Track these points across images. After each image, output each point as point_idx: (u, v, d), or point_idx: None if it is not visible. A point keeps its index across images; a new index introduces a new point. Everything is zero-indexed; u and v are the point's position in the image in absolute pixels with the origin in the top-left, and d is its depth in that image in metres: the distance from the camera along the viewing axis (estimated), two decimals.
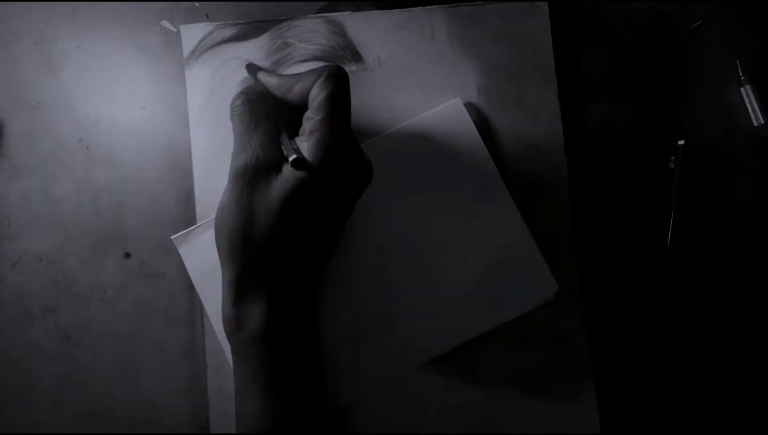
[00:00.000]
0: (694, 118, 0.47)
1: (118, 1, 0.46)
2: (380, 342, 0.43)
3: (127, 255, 0.45)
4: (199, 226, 0.44)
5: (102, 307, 0.45)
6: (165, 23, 0.47)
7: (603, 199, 0.46)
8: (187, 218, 0.45)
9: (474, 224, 0.44)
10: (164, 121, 0.46)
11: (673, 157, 0.46)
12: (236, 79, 0.45)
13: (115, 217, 0.45)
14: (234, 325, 0.37)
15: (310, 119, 0.37)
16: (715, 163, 0.47)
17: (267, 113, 0.39)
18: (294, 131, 0.39)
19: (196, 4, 0.47)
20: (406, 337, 0.44)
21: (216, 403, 0.43)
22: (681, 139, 0.46)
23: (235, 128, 0.38)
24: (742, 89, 0.47)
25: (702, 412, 0.45)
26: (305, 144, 0.37)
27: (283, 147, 0.37)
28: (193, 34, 0.46)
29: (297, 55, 0.46)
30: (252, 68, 0.43)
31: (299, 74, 0.39)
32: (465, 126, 0.45)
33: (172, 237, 0.44)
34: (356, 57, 0.46)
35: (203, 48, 0.46)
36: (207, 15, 0.47)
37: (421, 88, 0.46)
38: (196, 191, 0.45)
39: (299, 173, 0.36)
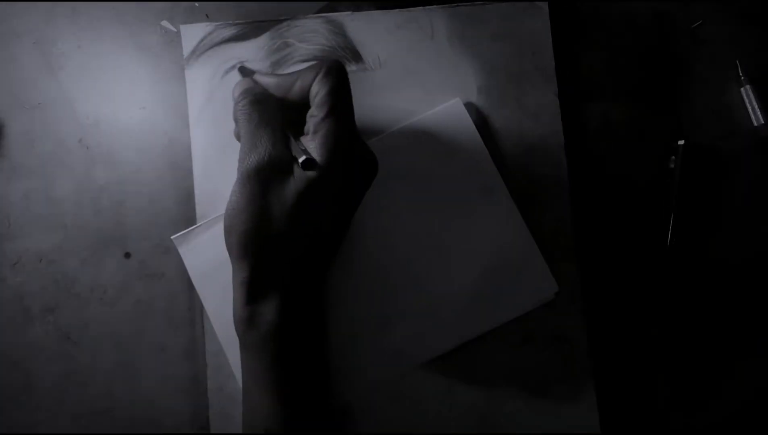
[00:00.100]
0: (694, 118, 0.47)
1: (118, 1, 0.46)
2: (380, 342, 0.43)
3: (127, 255, 0.45)
4: (199, 226, 0.44)
5: (102, 307, 0.45)
6: (165, 23, 0.47)
7: (603, 199, 0.46)
8: (187, 218, 0.45)
9: (474, 224, 0.44)
10: (164, 121, 0.46)
11: (673, 157, 0.46)
12: (237, 79, 0.45)
13: (115, 217, 0.45)
14: (247, 324, 0.37)
15: (314, 117, 0.37)
16: (715, 163, 0.47)
17: (273, 113, 0.38)
18: (298, 130, 0.39)
19: (196, 4, 0.47)
20: (405, 337, 0.44)
21: (216, 403, 0.43)
22: (681, 139, 0.46)
23: (242, 128, 0.38)
24: (742, 89, 0.47)
25: (702, 412, 0.45)
26: (312, 143, 0.37)
27: (292, 149, 0.37)
28: (193, 34, 0.46)
29: (297, 55, 0.46)
30: (245, 71, 0.43)
31: (297, 72, 0.39)
32: (465, 126, 0.45)
33: (172, 237, 0.44)
34: (356, 57, 0.46)
35: (203, 48, 0.46)
36: (207, 15, 0.47)
37: (421, 88, 0.46)
38: (196, 191, 0.45)
39: (308, 175, 0.36)
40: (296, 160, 0.36)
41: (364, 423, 0.43)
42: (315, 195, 0.36)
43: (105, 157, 0.46)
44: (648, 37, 0.48)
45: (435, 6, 0.46)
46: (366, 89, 0.45)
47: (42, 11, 0.46)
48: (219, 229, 0.44)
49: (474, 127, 0.45)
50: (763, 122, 0.46)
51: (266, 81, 0.40)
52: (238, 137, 0.40)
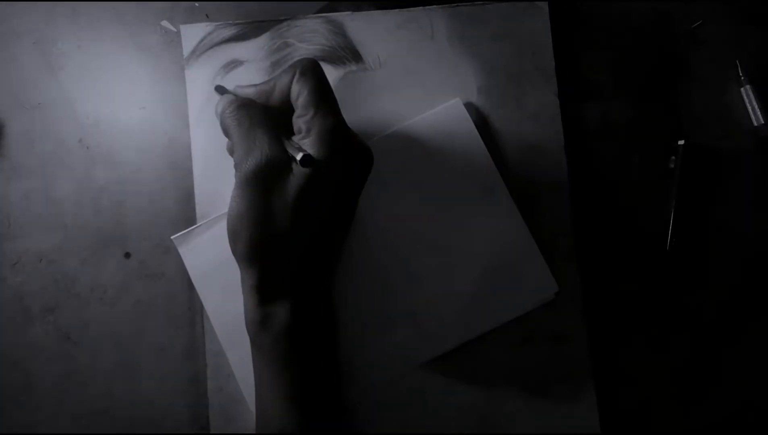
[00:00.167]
0: (694, 118, 0.47)
1: (118, 1, 0.46)
2: (380, 342, 0.43)
3: (127, 255, 0.45)
4: (199, 226, 0.44)
5: (102, 307, 0.45)
6: (165, 23, 0.47)
7: (603, 199, 0.46)
8: (187, 218, 0.45)
9: (474, 224, 0.44)
10: (164, 121, 0.46)
11: (673, 157, 0.46)
12: (236, 79, 0.45)
13: (115, 217, 0.45)
14: (259, 326, 0.37)
15: (302, 116, 0.37)
16: (715, 163, 0.47)
17: (262, 115, 0.38)
18: (287, 132, 0.39)
19: (196, 4, 0.47)
20: (405, 337, 0.44)
21: (216, 403, 0.43)
22: (681, 139, 0.46)
23: (234, 134, 0.38)
24: (742, 89, 0.47)
25: (702, 412, 0.45)
26: (307, 141, 0.37)
27: (288, 148, 0.37)
28: (193, 34, 0.46)
29: (297, 55, 0.46)
30: (221, 89, 0.43)
31: (273, 78, 0.39)
32: (465, 126, 0.45)
33: (172, 237, 0.44)
34: (356, 57, 0.46)
35: (203, 48, 0.46)
36: (207, 15, 0.47)
37: (421, 88, 0.46)
38: (196, 191, 0.45)
39: (306, 173, 0.36)
40: (293, 159, 0.36)
41: (364, 423, 0.43)
42: (316, 190, 0.36)
43: (105, 157, 0.46)
44: (648, 37, 0.48)
45: (435, 6, 0.46)
46: (366, 89, 0.45)
47: (42, 11, 0.46)
48: (219, 229, 0.44)
49: (474, 127, 0.45)
50: (763, 122, 0.46)
51: (246, 92, 0.40)
52: (231, 151, 0.40)
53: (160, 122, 0.46)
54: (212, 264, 0.43)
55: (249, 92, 0.40)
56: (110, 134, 0.46)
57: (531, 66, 0.46)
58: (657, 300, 0.46)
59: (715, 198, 0.46)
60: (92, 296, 0.45)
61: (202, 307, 0.44)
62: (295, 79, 0.37)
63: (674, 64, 0.47)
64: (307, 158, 0.35)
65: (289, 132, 0.39)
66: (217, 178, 0.45)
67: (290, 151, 0.37)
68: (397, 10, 0.46)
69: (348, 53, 0.46)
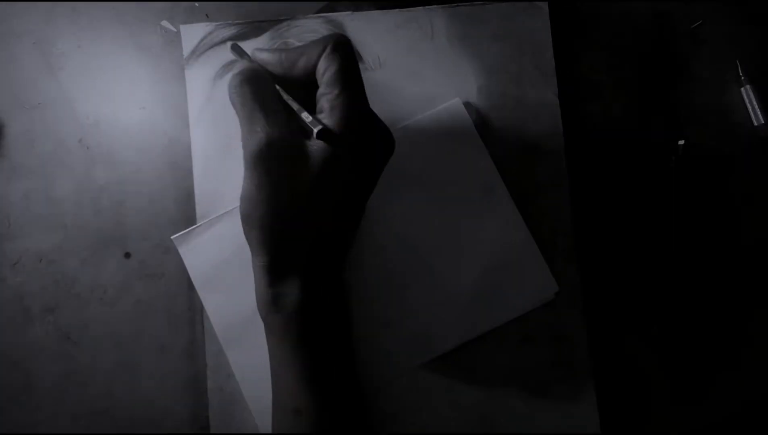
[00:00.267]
0: (694, 118, 0.47)
1: (118, 1, 0.46)
2: (380, 342, 0.43)
3: (127, 255, 0.45)
4: (199, 226, 0.44)
5: (102, 307, 0.45)
6: (165, 23, 0.47)
7: (603, 198, 0.46)
8: (187, 218, 0.45)
9: (474, 224, 0.44)
10: (164, 121, 0.46)
11: (673, 157, 0.46)
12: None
13: (115, 217, 0.45)
14: (270, 307, 0.37)
15: (326, 94, 0.36)
16: (715, 163, 0.47)
17: (268, 91, 0.37)
18: (306, 107, 0.37)
19: (196, 4, 0.47)
20: (405, 338, 0.44)
21: (216, 403, 0.43)
22: (681, 139, 0.46)
23: (239, 112, 0.37)
24: (742, 89, 0.47)
25: (702, 412, 0.45)
26: (329, 120, 0.36)
27: (301, 122, 0.36)
28: (193, 34, 0.46)
29: None
30: (237, 49, 0.41)
31: (301, 47, 0.38)
32: (465, 126, 0.45)
33: (172, 237, 0.44)
34: (356, 57, 0.46)
35: (203, 48, 0.46)
36: (207, 15, 0.47)
37: (421, 88, 0.46)
38: (196, 191, 0.45)
39: (326, 151, 0.35)
40: (309, 134, 0.35)
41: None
42: (334, 172, 0.36)
43: (105, 157, 0.46)
44: (648, 37, 0.48)
45: (435, 6, 0.46)
46: (366, 89, 0.45)
47: (42, 11, 0.46)
48: (219, 229, 0.44)
49: (474, 127, 0.45)
50: (763, 122, 0.46)
51: (265, 58, 0.39)
52: None
53: (160, 122, 0.46)
54: (212, 264, 0.43)
55: (269, 59, 0.38)
56: (110, 134, 0.46)
57: (531, 66, 0.46)
58: (657, 300, 0.46)
59: (715, 198, 0.46)
60: (92, 296, 0.45)
61: (202, 307, 0.44)
62: (325, 54, 0.36)
63: (674, 64, 0.47)
64: (323, 132, 0.35)
65: (307, 106, 0.37)
66: (217, 178, 0.45)
67: (305, 125, 0.36)
68: (397, 10, 0.46)
69: None
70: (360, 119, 0.36)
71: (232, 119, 0.45)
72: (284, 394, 0.38)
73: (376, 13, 0.46)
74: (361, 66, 0.46)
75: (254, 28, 0.46)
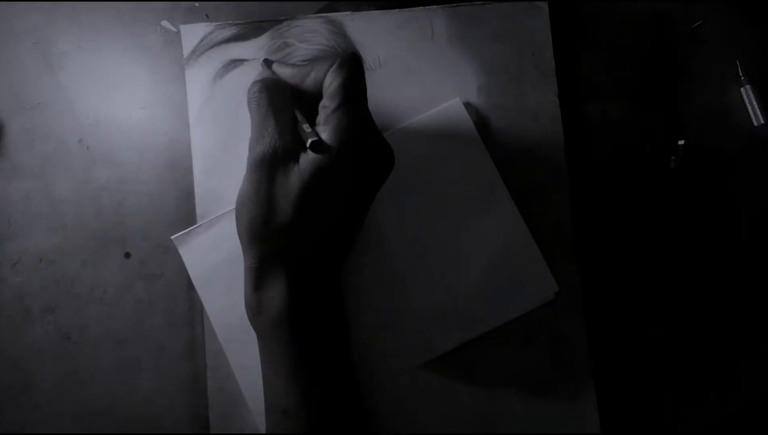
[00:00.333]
0: (694, 118, 0.47)
1: (118, 1, 0.46)
2: (379, 342, 0.43)
3: (127, 255, 0.45)
4: (199, 226, 0.44)
5: (102, 307, 0.45)
6: (165, 23, 0.47)
7: (603, 198, 0.46)
8: (187, 218, 0.45)
9: (474, 224, 0.44)
10: (164, 121, 0.46)
11: (673, 157, 0.46)
12: (236, 79, 0.45)
13: (115, 217, 0.45)
14: (255, 310, 0.38)
15: (326, 107, 0.37)
16: (715, 163, 0.47)
17: (283, 101, 0.39)
18: (310, 120, 0.39)
19: (196, 4, 0.47)
20: (405, 337, 0.44)
21: (216, 403, 0.43)
22: (681, 139, 0.46)
23: (252, 116, 0.39)
24: (742, 89, 0.47)
25: (702, 412, 0.45)
26: (323, 133, 0.37)
27: (301, 133, 0.37)
28: (193, 34, 0.46)
29: (297, 55, 0.46)
30: (268, 62, 0.43)
31: (312, 62, 0.39)
32: (465, 126, 0.45)
33: (172, 237, 0.44)
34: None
35: (203, 48, 0.46)
36: (207, 15, 0.47)
37: (421, 88, 0.46)
38: (196, 191, 0.45)
39: (316, 162, 0.36)
40: (305, 146, 0.36)
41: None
42: (323, 183, 0.36)
43: (105, 157, 0.46)
44: (648, 37, 0.48)
45: (435, 6, 0.46)
46: (366, 89, 0.45)
47: (42, 11, 0.46)
48: (219, 229, 0.44)
49: (474, 127, 0.45)
50: (763, 122, 0.46)
51: (283, 71, 0.41)
52: None
53: (160, 122, 0.46)
54: (212, 264, 0.43)
55: (286, 72, 0.41)
56: (110, 134, 0.46)
57: (531, 66, 0.46)
58: (657, 300, 0.46)
59: (715, 198, 0.46)
60: (92, 296, 0.45)
61: (202, 307, 0.44)
62: (332, 68, 0.37)
63: (674, 64, 0.47)
64: (316, 143, 0.35)
65: (312, 120, 0.38)
66: (217, 178, 0.45)
67: (302, 135, 0.37)
68: (397, 10, 0.46)
69: None
70: (354, 133, 0.37)
71: (232, 119, 0.45)
72: (272, 394, 0.39)
73: (376, 13, 0.46)
74: None
75: (254, 28, 0.46)
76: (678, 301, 0.46)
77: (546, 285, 0.44)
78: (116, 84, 0.46)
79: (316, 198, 0.37)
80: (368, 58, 0.46)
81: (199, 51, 0.46)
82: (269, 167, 0.36)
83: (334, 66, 0.37)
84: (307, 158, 0.36)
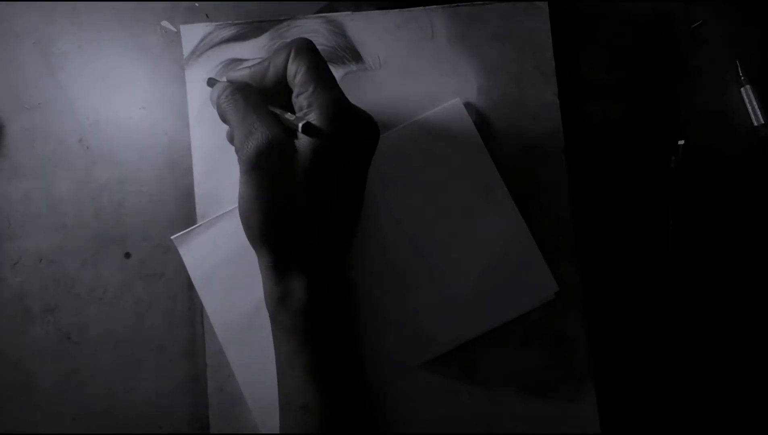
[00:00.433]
0: (694, 118, 0.47)
1: (118, 1, 0.46)
2: (379, 342, 0.43)
3: (127, 255, 0.45)
4: (199, 226, 0.44)
5: (102, 307, 0.44)
6: (165, 23, 0.47)
7: (603, 198, 0.46)
8: (187, 218, 0.45)
9: (474, 224, 0.44)
10: (164, 121, 0.46)
11: (673, 157, 0.46)
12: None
13: (115, 217, 0.45)
14: (278, 304, 0.38)
15: (302, 93, 0.37)
16: (715, 163, 0.47)
17: (258, 99, 0.38)
18: (284, 110, 0.38)
19: (196, 4, 0.47)
20: (405, 337, 0.44)
21: (216, 403, 0.43)
22: (681, 139, 0.46)
23: (232, 118, 0.38)
24: (742, 89, 0.47)
25: (702, 412, 0.45)
26: (310, 116, 0.36)
27: (286, 123, 0.37)
28: (193, 34, 0.46)
29: None
30: (212, 81, 0.42)
31: (266, 59, 0.39)
32: (465, 126, 0.45)
33: (172, 237, 0.44)
34: (356, 57, 0.46)
35: (203, 48, 0.46)
36: (207, 15, 0.47)
37: (421, 88, 0.46)
38: (196, 191, 0.45)
39: (313, 145, 0.36)
40: (296, 133, 0.36)
41: None
42: (323, 166, 0.36)
43: (105, 157, 0.46)
44: (648, 37, 0.48)
45: (435, 6, 0.46)
46: (366, 89, 0.45)
47: (42, 11, 0.46)
48: (219, 229, 0.44)
49: (474, 127, 0.45)
50: (763, 122, 0.46)
51: (239, 75, 0.40)
52: (230, 138, 0.40)
53: (160, 122, 0.46)
54: (212, 264, 0.43)
55: (243, 75, 0.40)
56: (110, 134, 0.46)
57: (531, 66, 0.46)
58: (657, 300, 0.46)
59: (715, 198, 0.46)
60: (92, 296, 0.45)
61: (202, 307, 0.44)
62: (290, 59, 0.37)
63: (674, 64, 0.47)
64: (308, 126, 0.35)
65: (287, 111, 0.38)
66: (217, 178, 0.45)
67: (290, 124, 0.36)
68: (397, 10, 0.46)
69: (348, 53, 0.46)
70: (339, 109, 0.37)
71: None
72: (291, 390, 0.38)
73: (376, 13, 0.46)
74: (361, 66, 0.46)
75: (254, 28, 0.46)
76: (678, 302, 0.46)
77: (546, 285, 0.44)
78: (116, 84, 0.46)
79: (319, 182, 0.36)
80: (368, 58, 0.46)
81: (199, 51, 0.46)
82: (267, 161, 0.36)
83: (292, 54, 0.37)
84: (303, 144, 0.36)
